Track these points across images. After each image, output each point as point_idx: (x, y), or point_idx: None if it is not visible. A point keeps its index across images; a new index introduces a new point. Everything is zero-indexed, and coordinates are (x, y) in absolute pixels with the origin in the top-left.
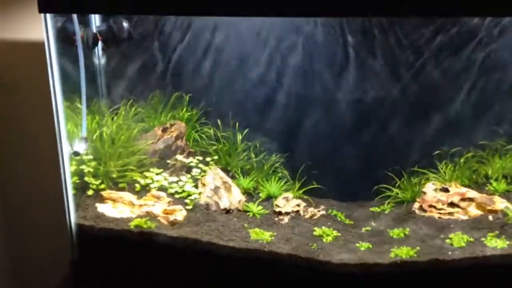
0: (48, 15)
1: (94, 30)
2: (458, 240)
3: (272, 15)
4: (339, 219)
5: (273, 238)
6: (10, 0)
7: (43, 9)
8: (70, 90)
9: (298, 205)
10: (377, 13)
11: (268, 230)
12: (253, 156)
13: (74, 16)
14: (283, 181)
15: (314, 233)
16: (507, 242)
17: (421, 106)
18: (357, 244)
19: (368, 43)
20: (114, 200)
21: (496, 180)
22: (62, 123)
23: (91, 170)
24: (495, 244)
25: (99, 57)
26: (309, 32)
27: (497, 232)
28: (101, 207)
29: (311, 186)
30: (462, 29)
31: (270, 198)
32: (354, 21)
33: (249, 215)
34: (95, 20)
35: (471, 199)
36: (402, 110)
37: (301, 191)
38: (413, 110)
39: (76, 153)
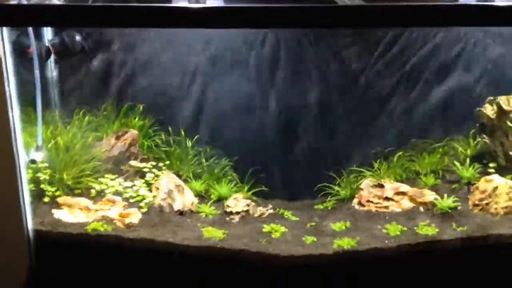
0: (4, 29)
1: (47, 44)
2: (393, 229)
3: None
4: (286, 216)
5: (225, 235)
6: None
7: (0, 22)
8: (25, 101)
9: (248, 205)
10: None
11: (220, 228)
12: (204, 161)
13: (30, 29)
14: (233, 184)
15: (264, 230)
16: (437, 230)
17: (358, 112)
18: (303, 238)
19: (307, 55)
20: (70, 206)
21: (425, 175)
22: (18, 133)
23: (47, 177)
24: (426, 231)
25: (52, 69)
26: (253, 48)
27: (428, 221)
28: (57, 213)
29: (259, 188)
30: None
31: (221, 199)
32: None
33: (201, 215)
34: (48, 33)
35: (404, 193)
36: (340, 116)
37: (250, 193)
38: (350, 115)
39: (33, 161)
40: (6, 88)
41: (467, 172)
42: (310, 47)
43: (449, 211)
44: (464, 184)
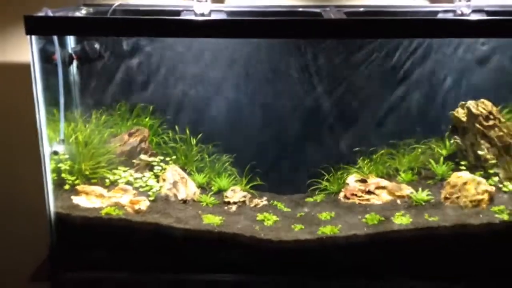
0: (33, 37)
1: (70, 51)
2: (372, 219)
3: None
4: (278, 208)
5: (222, 221)
6: None
7: (29, 31)
8: (50, 101)
9: (244, 197)
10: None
11: (218, 216)
12: (206, 156)
13: (55, 38)
14: (232, 177)
15: (257, 218)
16: (410, 220)
17: (345, 114)
18: (292, 226)
19: (300, 61)
20: (87, 193)
21: (403, 172)
22: (43, 128)
23: (68, 168)
24: (400, 221)
25: (74, 74)
26: (249, 52)
27: (403, 212)
28: (76, 199)
29: (255, 183)
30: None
31: (220, 191)
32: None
33: (202, 204)
34: (70, 42)
35: (384, 187)
36: (329, 118)
37: (247, 186)
38: (338, 118)
39: (55, 152)
40: (34, 90)
41: (441, 169)
42: (303, 55)
43: (423, 203)
44: (438, 180)
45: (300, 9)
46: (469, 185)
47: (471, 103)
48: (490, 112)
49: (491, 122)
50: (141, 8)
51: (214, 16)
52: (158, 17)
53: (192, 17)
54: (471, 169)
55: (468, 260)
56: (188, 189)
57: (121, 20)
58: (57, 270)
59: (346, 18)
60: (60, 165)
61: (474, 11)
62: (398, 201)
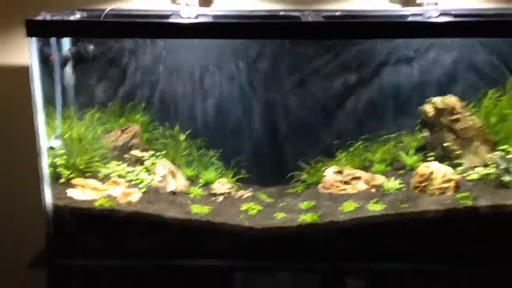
0: (33, 39)
1: (65, 52)
2: (348, 206)
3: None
4: (262, 198)
5: (210, 211)
6: None
7: (31, 34)
8: (47, 99)
9: (230, 188)
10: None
11: (206, 206)
12: (195, 151)
13: (53, 40)
14: (219, 171)
15: (242, 208)
16: (384, 206)
17: (323, 110)
18: (275, 214)
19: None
20: (82, 186)
21: (377, 163)
22: (41, 124)
23: (63, 162)
24: (374, 208)
25: (69, 73)
26: (232, 52)
27: (377, 199)
28: (71, 192)
29: (241, 176)
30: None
31: (208, 183)
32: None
33: (191, 195)
34: (66, 43)
35: (359, 178)
36: (308, 114)
37: (233, 179)
38: (316, 114)
39: (52, 148)
40: (32, 88)
41: (411, 160)
42: (284, 55)
43: (395, 192)
44: (408, 170)
45: (281, 13)
46: (436, 174)
47: (437, 99)
48: (455, 107)
49: (455, 116)
50: (132, 13)
51: (201, 19)
52: (150, 20)
53: (181, 20)
54: (438, 159)
55: (436, 243)
56: (178, 181)
57: (118, 23)
58: (53, 257)
59: (324, 20)
60: (56, 159)
61: (441, 14)
62: (373, 190)
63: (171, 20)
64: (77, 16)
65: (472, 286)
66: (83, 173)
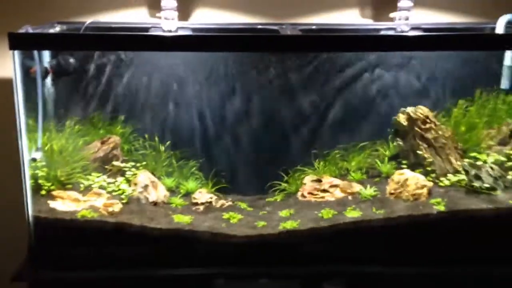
0: (16, 52)
1: (45, 65)
2: (326, 213)
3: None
4: (242, 207)
5: (192, 220)
6: None
7: (13, 47)
8: (28, 112)
9: (211, 198)
10: None
11: (188, 215)
12: (174, 162)
13: (35, 52)
14: (199, 181)
15: (223, 216)
16: (360, 213)
17: (301, 121)
18: (256, 223)
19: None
20: (63, 198)
21: (353, 171)
22: (24, 137)
23: (44, 174)
24: (352, 214)
25: (49, 86)
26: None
27: (354, 206)
28: (52, 204)
29: (220, 185)
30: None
31: (188, 193)
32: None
33: (172, 205)
34: (46, 56)
35: (336, 186)
36: (287, 125)
37: (213, 189)
38: (295, 124)
39: (34, 159)
40: (16, 101)
41: (385, 168)
42: (263, 67)
43: (371, 198)
44: (383, 177)
45: (259, 27)
46: (410, 181)
47: (410, 109)
48: (427, 117)
49: (427, 126)
50: (112, 26)
51: (181, 32)
52: (132, 33)
53: (162, 33)
54: (412, 167)
55: (411, 246)
56: (159, 192)
57: (94, 36)
58: (35, 270)
59: (301, 34)
60: (37, 171)
61: (412, 28)
62: (350, 197)
63: (158, 33)
64: (57, 29)
65: (447, 286)
66: (63, 185)
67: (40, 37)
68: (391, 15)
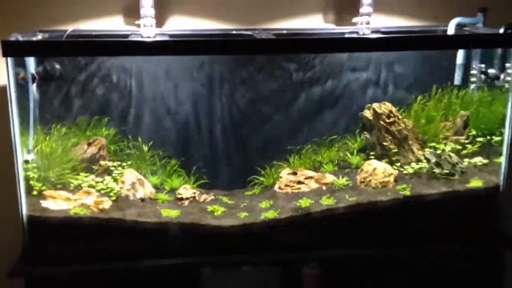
0: (9, 59)
1: (32, 71)
2: (304, 203)
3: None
4: (224, 201)
5: (179, 214)
6: None
7: (6, 54)
8: (21, 115)
9: (194, 193)
10: None
11: (175, 209)
12: (158, 160)
13: (26, 59)
14: (182, 178)
15: (208, 209)
16: (335, 200)
17: (276, 119)
18: (238, 214)
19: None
20: (54, 197)
21: (326, 164)
22: (17, 141)
23: (35, 175)
24: (327, 202)
25: (35, 91)
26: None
27: (328, 195)
28: (44, 203)
29: (202, 181)
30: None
31: (173, 190)
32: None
33: (159, 201)
34: (33, 62)
35: (311, 177)
36: (263, 122)
37: (195, 185)
38: (270, 122)
39: (26, 161)
40: (9, 106)
41: (355, 159)
42: (238, 67)
43: (343, 187)
44: (354, 168)
45: (234, 32)
46: (378, 170)
47: (375, 105)
48: (391, 111)
49: (391, 119)
50: (93, 33)
51: (159, 38)
52: (117, 39)
53: (143, 38)
54: (379, 157)
55: (381, 229)
56: (145, 189)
57: (78, 43)
58: (30, 266)
59: (275, 38)
60: (28, 173)
61: (372, 31)
62: (324, 187)
63: (142, 39)
64: (39, 37)
65: (413, 265)
66: (54, 186)
67: (31, 44)
68: (354, 20)
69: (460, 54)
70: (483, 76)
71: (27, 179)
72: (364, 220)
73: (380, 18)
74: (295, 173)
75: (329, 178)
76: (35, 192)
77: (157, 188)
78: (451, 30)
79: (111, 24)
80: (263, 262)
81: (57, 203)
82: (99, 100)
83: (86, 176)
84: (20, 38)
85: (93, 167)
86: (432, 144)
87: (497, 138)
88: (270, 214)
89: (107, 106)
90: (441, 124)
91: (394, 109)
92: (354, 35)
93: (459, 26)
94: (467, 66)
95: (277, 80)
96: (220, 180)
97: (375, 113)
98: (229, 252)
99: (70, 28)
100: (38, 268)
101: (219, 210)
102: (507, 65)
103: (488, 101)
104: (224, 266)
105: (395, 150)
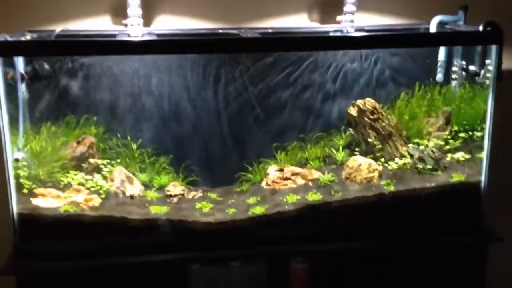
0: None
1: (21, 71)
2: (291, 198)
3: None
4: (212, 198)
5: (168, 210)
6: None
7: None
8: (11, 114)
9: (183, 190)
10: None
11: (164, 206)
12: (146, 158)
13: (15, 59)
14: (170, 175)
15: (196, 206)
16: (321, 196)
17: (264, 117)
18: (226, 210)
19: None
20: (44, 195)
21: (312, 160)
22: (7, 139)
23: (25, 174)
24: (313, 198)
25: (24, 91)
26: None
27: (314, 190)
28: (35, 201)
29: (191, 178)
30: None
31: (161, 187)
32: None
33: (148, 198)
34: (21, 61)
35: (297, 174)
36: (251, 121)
37: (184, 182)
38: (258, 120)
39: (16, 159)
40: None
41: (340, 156)
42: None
43: (329, 183)
44: (339, 164)
45: (220, 31)
46: (363, 166)
47: (360, 102)
48: (375, 108)
49: (375, 116)
50: (82, 33)
51: (147, 38)
52: (106, 39)
53: (131, 38)
54: (364, 153)
55: (366, 223)
56: (134, 186)
57: (66, 42)
58: (20, 264)
59: (261, 36)
60: (19, 171)
61: (356, 30)
62: (310, 183)
63: (130, 38)
64: (28, 37)
65: (399, 259)
66: (44, 184)
67: (23, 44)
68: (338, 18)
69: (442, 52)
70: (464, 73)
71: (17, 177)
72: (349, 214)
73: (364, 16)
74: (282, 170)
75: (315, 174)
76: (25, 190)
77: (146, 185)
78: (433, 28)
79: (100, 23)
80: (251, 257)
81: (47, 200)
82: (89, 99)
83: (75, 174)
84: (9, 38)
85: (83, 165)
86: (415, 140)
87: (479, 134)
88: (258, 210)
89: (96, 104)
90: (424, 120)
91: (378, 106)
92: (338, 34)
93: (441, 24)
94: (449, 63)
95: (263, 78)
96: (209, 177)
97: (360, 110)
98: (217, 248)
99: (58, 28)
100: (29, 266)
101: (207, 206)
102: (487, 61)
103: (469, 97)
104: (213, 261)
105: (380, 146)
